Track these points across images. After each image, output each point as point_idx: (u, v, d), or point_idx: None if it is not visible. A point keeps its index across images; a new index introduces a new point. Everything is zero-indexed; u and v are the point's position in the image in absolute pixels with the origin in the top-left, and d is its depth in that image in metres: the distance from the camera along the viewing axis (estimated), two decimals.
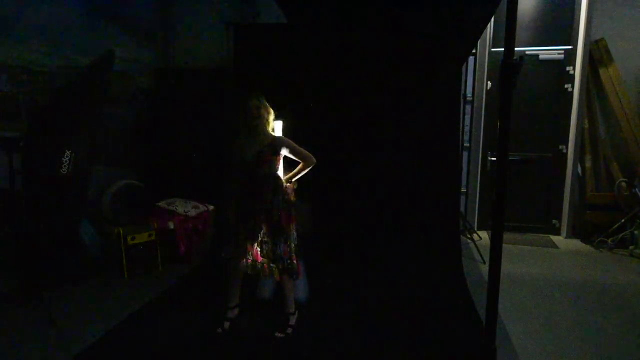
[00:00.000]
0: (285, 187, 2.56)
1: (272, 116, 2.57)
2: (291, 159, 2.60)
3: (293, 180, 2.60)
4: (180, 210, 4.00)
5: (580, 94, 4.54)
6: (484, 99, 4.81)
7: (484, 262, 3.92)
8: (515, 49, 1.69)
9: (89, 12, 3.89)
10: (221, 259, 2.58)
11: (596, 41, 4.50)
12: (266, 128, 2.54)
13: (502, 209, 1.80)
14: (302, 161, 2.56)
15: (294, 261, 2.55)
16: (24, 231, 3.08)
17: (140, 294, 3.17)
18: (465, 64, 4.39)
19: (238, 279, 2.63)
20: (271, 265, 2.52)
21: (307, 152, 2.57)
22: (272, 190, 2.50)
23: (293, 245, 2.57)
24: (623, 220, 4.34)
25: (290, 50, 3.81)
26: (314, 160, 2.57)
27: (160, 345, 2.48)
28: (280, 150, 2.51)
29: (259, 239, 2.52)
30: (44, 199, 3.08)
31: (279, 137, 2.56)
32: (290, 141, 2.55)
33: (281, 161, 2.58)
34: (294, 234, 2.59)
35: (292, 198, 2.57)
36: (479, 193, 5.00)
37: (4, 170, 2.85)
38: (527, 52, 4.68)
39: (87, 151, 3.25)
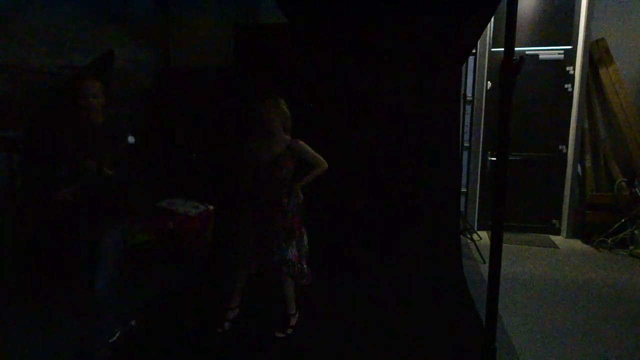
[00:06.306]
0: (299, 190, 2.55)
1: (288, 119, 2.51)
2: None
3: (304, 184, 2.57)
4: (180, 210, 4.00)
5: (580, 94, 4.54)
6: (484, 99, 4.81)
7: (484, 262, 3.92)
8: (515, 49, 1.69)
9: (89, 12, 3.89)
10: (222, 259, 2.58)
11: (596, 41, 4.49)
12: (282, 131, 2.50)
13: (502, 209, 1.80)
14: (316, 166, 2.53)
15: (304, 265, 2.55)
16: (24, 231, 3.08)
17: (140, 294, 3.17)
18: (465, 64, 4.38)
19: (243, 281, 2.63)
20: (280, 268, 2.51)
21: (320, 156, 2.53)
22: (287, 194, 2.49)
23: (304, 250, 2.56)
24: (623, 220, 4.34)
25: (290, 50, 3.81)
26: (327, 165, 2.53)
27: (160, 345, 2.48)
28: (297, 155, 2.49)
29: (270, 242, 2.50)
30: (43, 199, 3.08)
31: (295, 141, 2.51)
32: (307, 145, 2.51)
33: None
34: (305, 238, 2.59)
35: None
36: (479, 193, 5.00)
37: (4, 171, 2.85)
38: (527, 52, 4.67)
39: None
